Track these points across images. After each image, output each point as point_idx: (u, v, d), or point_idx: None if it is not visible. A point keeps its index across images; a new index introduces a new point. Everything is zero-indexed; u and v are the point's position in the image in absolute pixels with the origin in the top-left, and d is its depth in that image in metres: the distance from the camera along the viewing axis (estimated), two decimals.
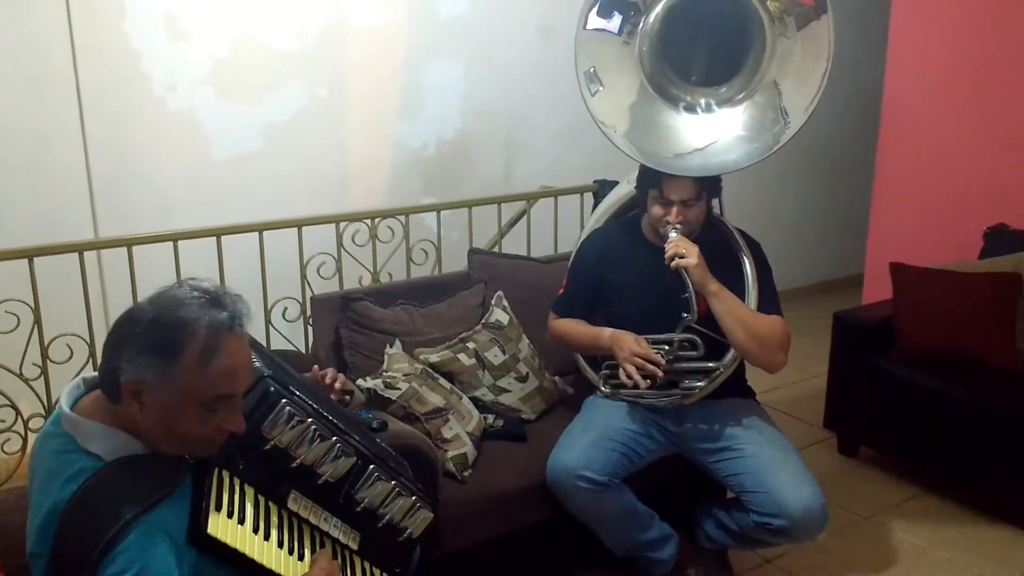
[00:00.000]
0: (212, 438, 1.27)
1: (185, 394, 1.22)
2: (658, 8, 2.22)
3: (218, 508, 1.25)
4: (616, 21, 2.23)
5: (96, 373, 1.30)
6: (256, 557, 1.28)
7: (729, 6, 2.17)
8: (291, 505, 1.38)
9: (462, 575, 2.22)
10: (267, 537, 1.31)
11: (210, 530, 1.22)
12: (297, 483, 1.40)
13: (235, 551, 1.25)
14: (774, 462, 2.16)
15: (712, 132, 2.21)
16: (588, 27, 2.24)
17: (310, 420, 1.39)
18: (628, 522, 2.25)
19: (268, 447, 1.35)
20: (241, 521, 1.28)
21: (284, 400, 1.36)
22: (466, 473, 2.24)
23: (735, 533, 2.28)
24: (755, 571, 2.54)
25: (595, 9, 2.23)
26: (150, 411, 1.23)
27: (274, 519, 1.35)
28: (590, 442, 2.19)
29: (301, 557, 1.36)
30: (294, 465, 1.38)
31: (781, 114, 2.15)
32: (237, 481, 1.32)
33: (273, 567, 1.30)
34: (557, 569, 2.45)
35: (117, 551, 1.15)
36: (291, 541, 1.36)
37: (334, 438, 1.43)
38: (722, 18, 2.22)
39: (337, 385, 1.66)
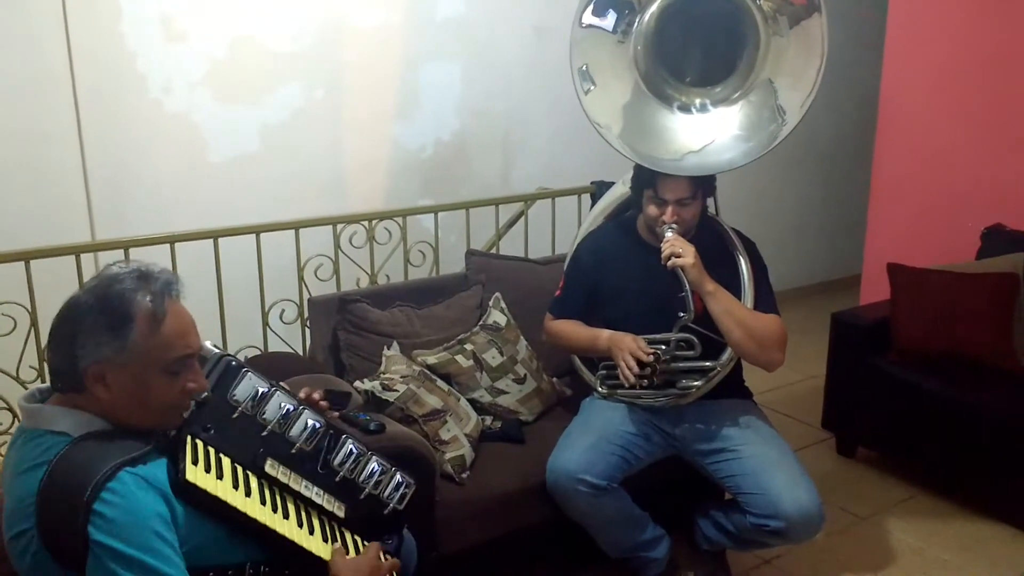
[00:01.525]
0: (179, 402, 1.32)
1: (147, 362, 1.26)
2: (653, 7, 2.21)
3: (195, 462, 1.28)
4: (611, 19, 2.23)
5: (47, 384, 1.33)
6: (239, 507, 1.30)
7: (723, 5, 2.17)
8: (269, 471, 1.41)
9: None
10: (248, 494, 1.34)
11: (188, 477, 1.25)
12: (271, 451, 1.42)
13: (217, 499, 1.27)
14: (771, 463, 2.15)
15: (708, 132, 2.21)
16: (583, 24, 2.23)
17: (274, 387, 1.44)
18: (625, 524, 2.25)
19: (236, 415, 1.39)
20: (220, 477, 1.31)
21: (246, 369, 1.42)
22: (464, 475, 2.24)
23: (732, 534, 2.27)
24: (753, 572, 2.54)
25: (590, 7, 2.23)
26: (117, 389, 1.27)
27: (253, 482, 1.37)
28: (589, 445, 2.19)
29: (286, 515, 1.38)
30: (265, 433, 1.42)
31: (777, 112, 2.15)
32: (211, 449, 1.34)
33: (258, 517, 1.32)
34: (555, 570, 2.44)
35: (108, 492, 1.17)
36: (274, 501, 1.38)
37: (302, 406, 1.47)
38: (716, 18, 2.22)
39: (312, 395, 1.66)
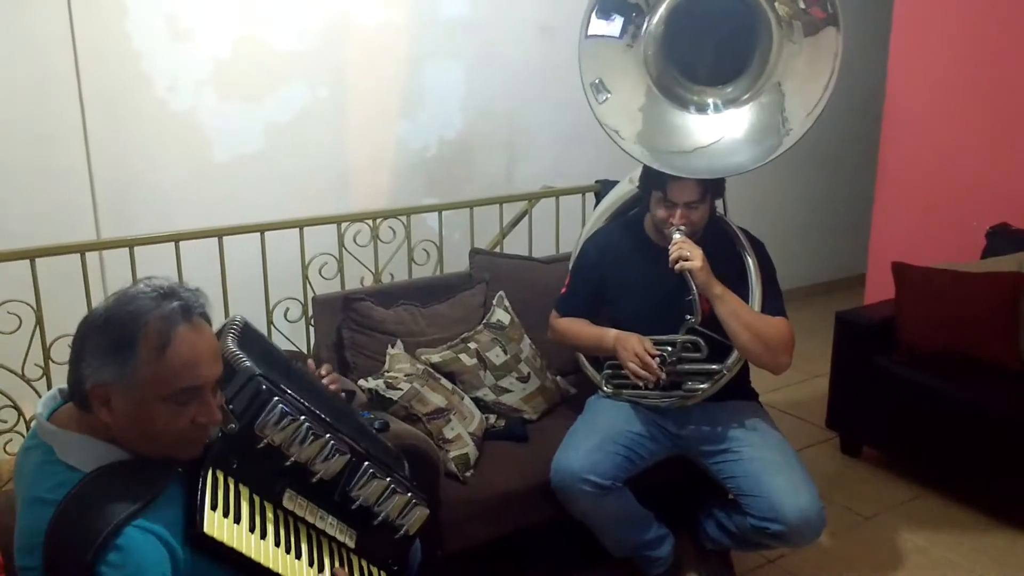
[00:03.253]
0: (189, 435, 1.24)
1: (149, 389, 1.19)
2: (662, 8, 2.20)
3: (213, 507, 1.24)
4: (617, 24, 2.20)
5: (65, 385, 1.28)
6: (253, 556, 1.27)
7: (736, 5, 2.16)
8: (287, 504, 1.38)
9: (464, 575, 2.22)
10: (263, 536, 1.30)
11: (206, 529, 1.21)
12: (292, 482, 1.39)
13: (232, 550, 1.23)
14: (772, 466, 2.15)
15: (718, 132, 2.20)
16: (590, 34, 2.19)
17: (303, 418, 1.38)
18: (628, 524, 2.25)
19: (261, 446, 1.34)
20: (237, 520, 1.27)
21: (276, 398, 1.35)
22: (468, 473, 2.24)
23: (734, 535, 2.27)
24: (757, 571, 2.54)
25: (595, 12, 2.21)
26: (121, 415, 1.20)
27: (270, 517, 1.34)
28: (594, 445, 2.19)
29: (299, 556, 1.35)
30: (288, 464, 1.37)
31: (784, 118, 2.14)
32: (231, 481, 1.30)
33: (271, 566, 1.29)
34: (558, 569, 2.44)
35: (110, 552, 1.13)
36: (288, 539, 1.35)
37: (327, 435, 1.42)
38: (728, 17, 2.20)
39: (333, 387, 1.65)
